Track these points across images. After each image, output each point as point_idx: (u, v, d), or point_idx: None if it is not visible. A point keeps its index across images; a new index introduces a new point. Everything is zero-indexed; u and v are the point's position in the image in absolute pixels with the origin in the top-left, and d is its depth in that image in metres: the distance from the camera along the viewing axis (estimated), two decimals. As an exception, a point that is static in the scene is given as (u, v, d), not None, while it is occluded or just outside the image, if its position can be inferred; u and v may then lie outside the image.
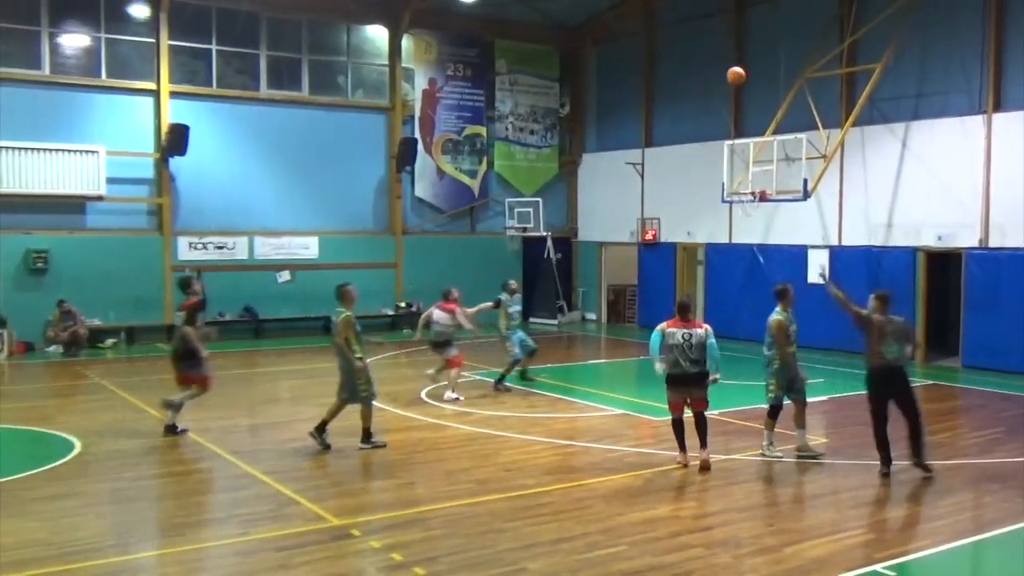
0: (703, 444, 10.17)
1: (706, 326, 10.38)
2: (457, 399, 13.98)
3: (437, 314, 14.49)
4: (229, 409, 13.74)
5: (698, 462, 10.09)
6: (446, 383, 14.35)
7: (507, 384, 15.20)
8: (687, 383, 10.21)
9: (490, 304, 15.58)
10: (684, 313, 10.49)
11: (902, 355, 10.12)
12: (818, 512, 8.73)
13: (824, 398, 14.63)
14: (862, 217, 19.68)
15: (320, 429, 11.02)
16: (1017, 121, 17.10)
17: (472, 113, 25.41)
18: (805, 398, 10.84)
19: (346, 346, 10.90)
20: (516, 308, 15.69)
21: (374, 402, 11.18)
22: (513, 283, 16.05)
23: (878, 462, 10.02)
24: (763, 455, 10.69)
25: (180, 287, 12.77)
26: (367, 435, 11.07)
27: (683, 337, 10.15)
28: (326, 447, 10.92)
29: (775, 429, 10.74)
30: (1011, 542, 8.10)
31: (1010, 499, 9.40)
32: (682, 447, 10.28)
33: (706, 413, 10.32)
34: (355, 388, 10.93)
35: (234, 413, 13.51)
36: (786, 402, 10.80)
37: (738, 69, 17.30)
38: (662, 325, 10.37)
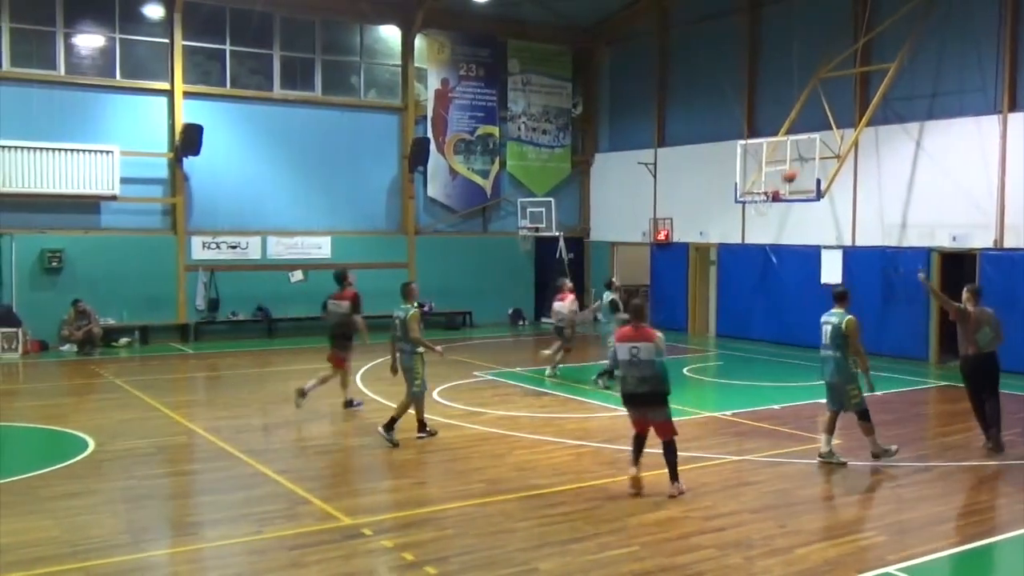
0: (672, 477, 9.16)
1: (657, 336, 9.11)
2: (554, 374, 16.25)
3: (556, 305, 16.44)
4: (242, 408, 13.79)
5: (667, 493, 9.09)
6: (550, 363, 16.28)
7: (606, 381, 15.22)
8: (637, 403, 9.27)
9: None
10: (636, 319, 9.36)
11: (993, 341, 11.00)
12: (830, 513, 8.70)
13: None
14: (876, 217, 19.61)
15: (389, 427, 11.23)
16: (1033, 121, 17.02)
17: (485, 113, 25.42)
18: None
19: (419, 340, 11.36)
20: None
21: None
22: (616, 280, 16.84)
23: (896, 462, 9.96)
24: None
25: (337, 280, 13.96)
26: (422, 426, 11.55)
27: (631, 352, 9.11)
28: (395, 444, 11.07)
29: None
30: (1025, 544, 8.06)
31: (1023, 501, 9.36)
32: (634, 460, 9.26)
33: (673, 439, 9.26)
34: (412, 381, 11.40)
35: (247, 412, 13.56)
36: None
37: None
38: (615, 335, 9.79)
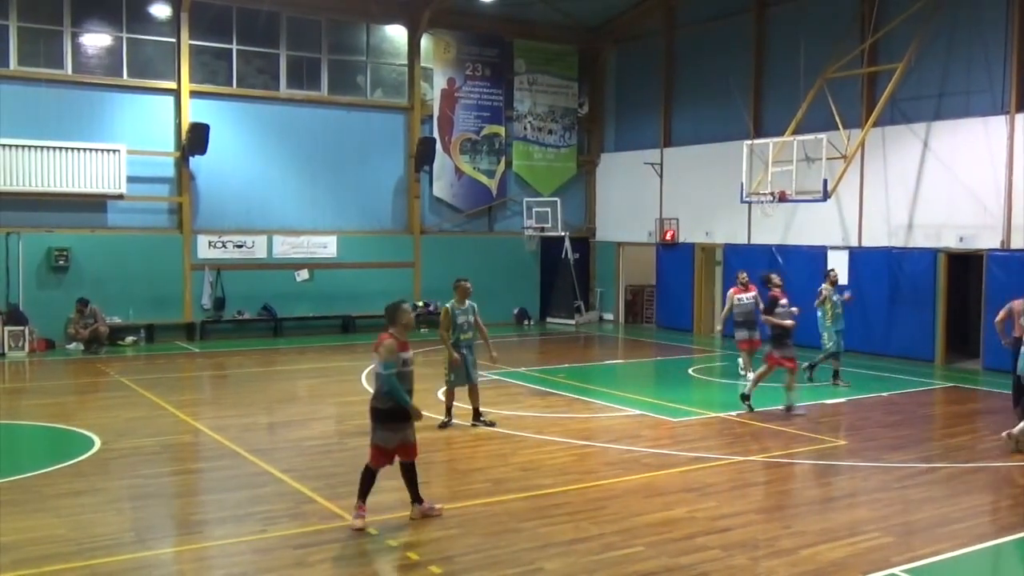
0: (414, 498, 8.30)
1: (382, 344, 8.11)
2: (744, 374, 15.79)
3: (739, 296, 15.99)
4: (247, 407, 13.80)
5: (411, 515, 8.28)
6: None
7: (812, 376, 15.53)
8: (379, 419, 8.23)
9: (796, 309, 13.93)
10: (391, 322, 8.29)
11: None
12: (836, 514, 8.68)
13: (842, 400, 14.57)
14: (882, 218, 19.56)
15: (476, 416, 12.21)
16: (1040, 122, 16.96)
17: (491, 113, 25.42)
18: None
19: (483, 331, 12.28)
20: (838, 297, 15.70)
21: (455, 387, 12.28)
22: (834, 271, 16.24)
23: (902, 463, 9.93)
24: None
25: (762, 283, 14.18)
26: (476, 414, 12.31)
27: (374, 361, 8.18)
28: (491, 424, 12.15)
29: None
30: (1032, 546, 8.04)
31: (1031, 503, 9.33)
32: (414, 497, 8.33)
33: (411, 461, 8.34)
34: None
35: (252, 411, 13.57)
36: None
37: None
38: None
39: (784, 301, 13.37)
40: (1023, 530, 8.35)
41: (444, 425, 12.11)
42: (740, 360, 16.39)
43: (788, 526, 8.22)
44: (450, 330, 12.09)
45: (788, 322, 13.14)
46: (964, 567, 7.48)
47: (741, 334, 15.90)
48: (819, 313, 15.69)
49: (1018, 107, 17.25)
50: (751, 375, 14.96)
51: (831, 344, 15.56)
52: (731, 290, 16.19)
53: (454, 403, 12.37)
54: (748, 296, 15.76)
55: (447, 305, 12.23)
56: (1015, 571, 7.69)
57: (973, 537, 8.02)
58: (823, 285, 15.82)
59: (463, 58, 24.89)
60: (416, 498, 8.34)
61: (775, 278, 13.91)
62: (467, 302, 12.20)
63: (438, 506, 8.48)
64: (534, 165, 26.25)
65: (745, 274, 16.14)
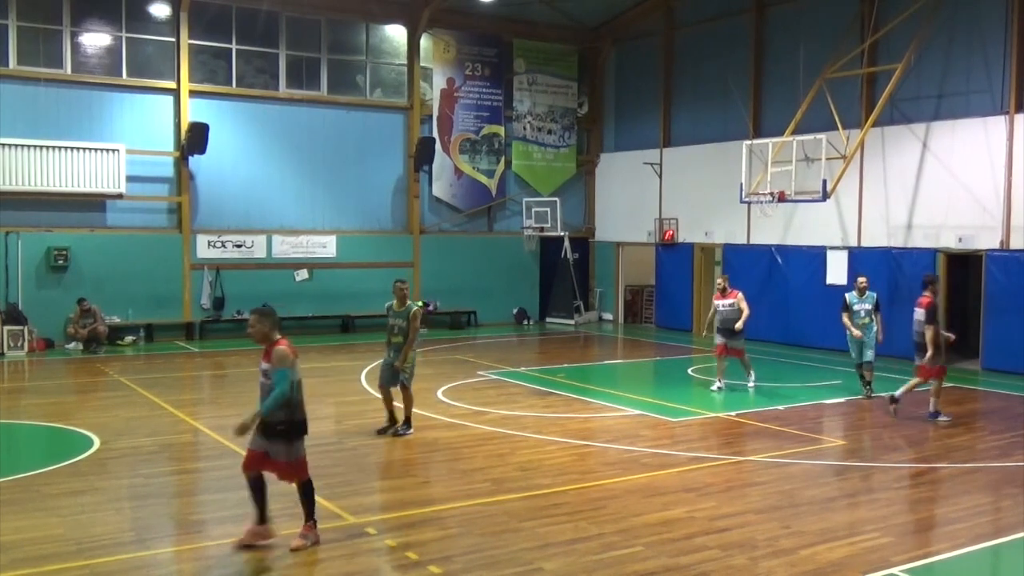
0: (307, 516, 7.69)
1: (274, 350, 7.65)
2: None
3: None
4: (246, 407, 13.70)
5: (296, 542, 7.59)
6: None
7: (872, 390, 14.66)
8: (265, 434, 7.64)
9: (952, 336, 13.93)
10: (278, 327, 7.90)
11: None
12: (835, 514, 8.68)
13: (841, 400, 14.57)
14: (882, 218, 19.57)
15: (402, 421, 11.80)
16: (1039, 122, 16.97)
17: (490, 113, 25.42)
18: None
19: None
20: (863, 306, 14.69)
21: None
22: (862, 279, 15.06)
23: (902, 463, 9.94)
24: None
25: (923, 285, 13.26)
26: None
27: (262, 372, 7.72)
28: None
29: None
30: (1030, 546, 8.05)
31: (1030, 503, 9.34)
32: (259, 516, 7.69)
33: (308, 481, 7.75)
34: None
35: (251, 410, 13.53)
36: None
37: None
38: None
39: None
40: (1022, 530, 8.36)
41: (382, 431, 11.81)
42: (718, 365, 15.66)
43: (787, 526, 8.23)
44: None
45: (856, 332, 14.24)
46: (963, 567, 7.48)
47: (718, 339, 15.34)
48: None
49: (1017, 107, 17.26)
50: (718, 385, 15.13)
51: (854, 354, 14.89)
52: (714, 295, 15.72)
53: (416, 407, 12.11)
54: (727, 303, 15.16)
55: (386, 306, 12.12)
56: (1014, 571, 7.69)
57: (972, 537, 8.02)
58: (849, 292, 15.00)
59: (462, 58, 24.90)
60: (263, 517, 7.66)
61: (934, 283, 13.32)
62: (408, 303, 11.87)
63: (269, 540, 7.62)
64: (533, 165, 26.26)
65: (723, 280, 15.64)
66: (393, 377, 11.79)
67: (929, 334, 12.69)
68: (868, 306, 14.65)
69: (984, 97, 17.88)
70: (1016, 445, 11.48)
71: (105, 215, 20.82)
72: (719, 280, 15.67)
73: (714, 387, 15.22)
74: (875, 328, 14.61)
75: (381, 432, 11.75)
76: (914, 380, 13.18)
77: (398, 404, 11.89)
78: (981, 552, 7.76)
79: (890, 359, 18.45)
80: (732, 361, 15.42)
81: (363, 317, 22.97)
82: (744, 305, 15.00)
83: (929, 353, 12.71)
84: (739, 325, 14.83)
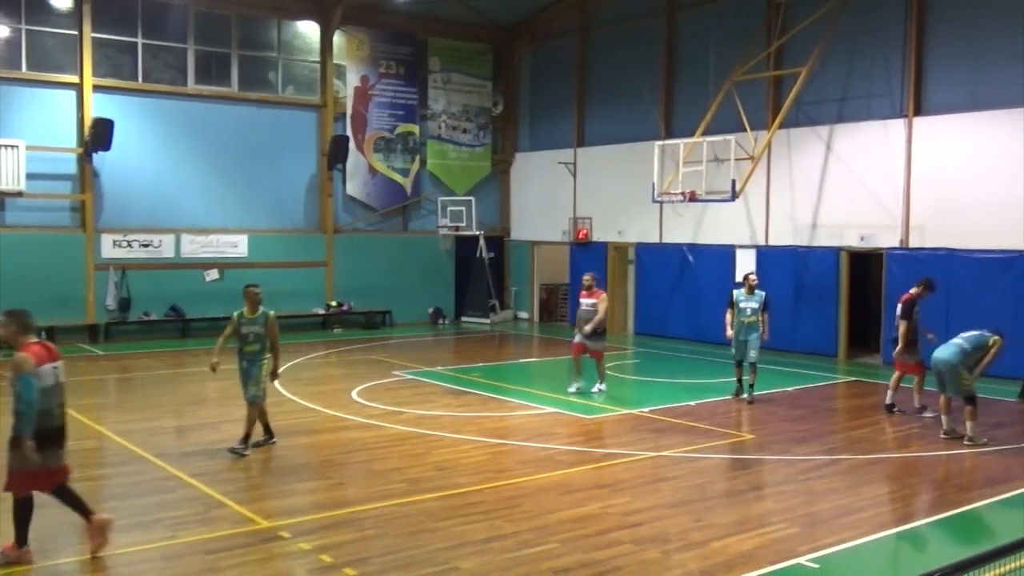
0: (23, 540, 7.22)
1: (17, 356, 7.17)
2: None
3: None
4: (154, 410, 13.46)
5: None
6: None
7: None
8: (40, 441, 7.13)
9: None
10: (26, 330, 7.42)
11: None
12: (745, 507, 8.89)
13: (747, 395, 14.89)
14: (788, 217, 20.10)
15: (245, 439, 10.75)
16: (936, 125, 17.63)
17: (405, 111, 25.29)
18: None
19: None
20: (749, 304, 14.12)
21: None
22: (752, 276, 14.57)
23: (807, 456, 10.24)
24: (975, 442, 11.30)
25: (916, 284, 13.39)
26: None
27: (53, 374, 7.34)
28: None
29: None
30: (929, 534, 8.37)
31: (928, 492, 9.72)
32: (18, 538, 7.23)
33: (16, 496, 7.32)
34: None
35: (159, 414, 13.24)
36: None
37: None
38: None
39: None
40: (921, 518, 8.70)
41: (258, 444, 10.92)
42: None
43: (699, 519, 8.39)
44: (231, 338, 11.22)
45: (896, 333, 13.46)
46: (866, 555, 7.73)
47: (576, 338, 14.75)
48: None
49: (915, 111, 17.92)
50: (576, 386, 14.63)
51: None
52: (580, 293, 15.02)
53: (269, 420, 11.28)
54: (589, 302, 14.61)
55: (235, 313, 11.22)
56: (914, 558, 7.99)
57: (874, 526, 8.30)
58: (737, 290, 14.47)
59: (376, 56, 24.71)
60: (23, 539, 7.22)
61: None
62: (261, 309, 11.12)
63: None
64: (448, 164, 26.22)
65: (589, 276, 14.88)
66: (245, 389, 11.00)
67: (901, 329, 13.15)
68: (755, 304, 14.07)
69: (884, 101, 18.51)
70: (914, 436, 11.93)
71: (4, 213, 20.05)
72: (585, 277, 14.90)
73: (571, 389, 14.63)
74: (760, 328, 14.05)
75: (257, 445, 10.87)
76: (895, 375, 13.50)
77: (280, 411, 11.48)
78: (883, 540, 8.04)
79: (794, 355, 18.98)
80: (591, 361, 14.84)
81: (276, 318, 22.56)
82: (602, 308, 14.51)
83: (899, 347, 13.18)
84: (588, 328, 14.40)
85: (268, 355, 11.12)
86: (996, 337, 11.53)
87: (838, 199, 19.20)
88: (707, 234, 21.62)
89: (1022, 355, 14.62)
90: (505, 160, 27.35)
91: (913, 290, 13.31)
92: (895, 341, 13.48)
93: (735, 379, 14.43)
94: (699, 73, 21.04)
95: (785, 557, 7.43)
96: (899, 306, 13.39)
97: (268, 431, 11.17)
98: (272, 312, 11.23)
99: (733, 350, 14.31)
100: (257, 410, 10.98)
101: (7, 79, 19.94)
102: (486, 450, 11.08)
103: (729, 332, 14.21)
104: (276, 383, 15.41)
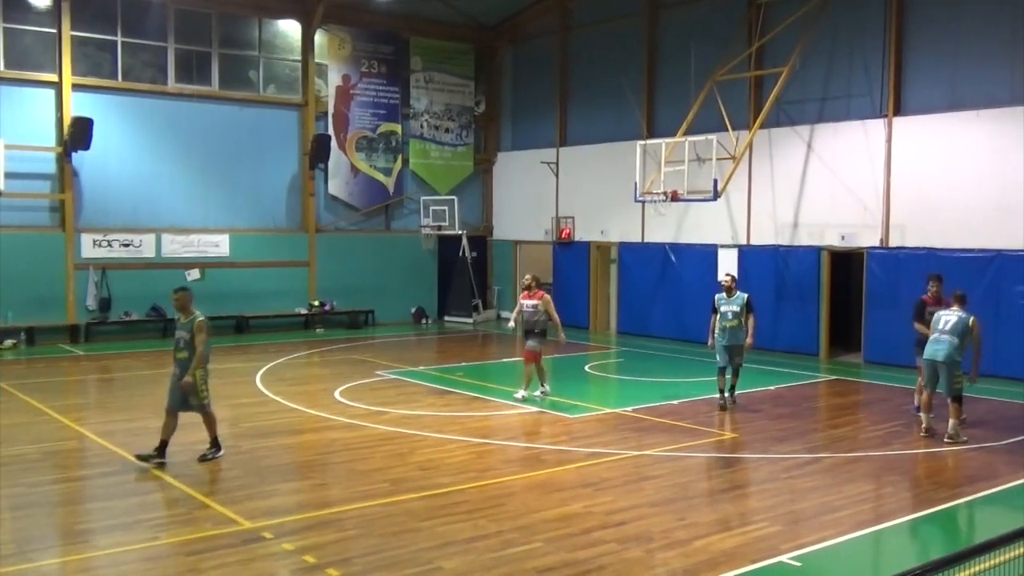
0: None
1: None
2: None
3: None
4: (136, 411, 13.37)
5: None
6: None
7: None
8: None
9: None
10: None
11: None
12: (727, 505, 8.93)
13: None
14: (769, 217, 20.19)
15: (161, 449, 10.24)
16: (916, 125, 17.77)
17: (387, 110, 25.24)
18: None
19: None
20: (730, 308, 13.54)
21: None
22: (727, 277, 13.95)
23: (789, 454, 10.29)
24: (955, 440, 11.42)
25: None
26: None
27: None
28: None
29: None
30: (909, 531, 8.44)
31: (908, 490, 9.80)
32: None
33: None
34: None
35: (141, 415, 13.15)
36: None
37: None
38: None
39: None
40: (902, 516, 8.76)
41: (146, 458, 10.20)
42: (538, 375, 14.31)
43: (682, 518, 8.42)
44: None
45: None
46: (847, 553, 7.79)
47: (529, 343, 14.08)
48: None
49: (895, 111, 18.05)
50: (522, 393, 13.88)
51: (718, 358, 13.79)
52: (521, 294, 14.45)
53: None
54: (531, 303, 14.07)
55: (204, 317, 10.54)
56: (895, 555, 8.05)
57: (855, 524, 8.36)
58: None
59: (358, 55, 24.65)
60: None
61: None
62: (195, 314, 10.46)
63: None
64: (431, 163, 26.19)
65: (529, 276, 14.32)
66: (182, 401, 10.28)
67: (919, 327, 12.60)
68: (735, 308, 13.49)
69: (864, 101, 18.63)
70: (895, 435, 12.01)
71: (-19, 213, 19.91)
72: (526, 277, 14.35)
73: (518, 395, 13.97)
74: (746, 332, 13.54)
75: (144, 459, 10.14)
76: (919, 380, 12.62)
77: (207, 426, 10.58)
78: (864, 538, 8.09)
79: (776, 354, 19.08)
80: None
81: (258, 318, 22.55)
82: (552, 309, 14.11)
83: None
84: (562, 337, 14.16)
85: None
86: (973, 317, 11.60)
87: (819, 199, 19.31)
88: (689, 233, 21.69)
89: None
90: (487, 159, 27.34)
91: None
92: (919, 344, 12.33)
93: (718, 389, 13.72)
94: (681, 73, 21.10)
95: (767, 555, 7.47)
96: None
97: (215, 444, 10.50)
98: (203, 317, 10.47)
99: (717, 356, 13.68)
100: (207, 419, 10.47)
101: (-15, 77, 19.79)
102: (470, 450, 11.08)
103: (710, 341, 13.73)
104: (259, 383, 15.40)
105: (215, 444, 10.54)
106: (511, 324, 14.92)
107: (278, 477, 10.04)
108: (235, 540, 7.76)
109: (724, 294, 13.72)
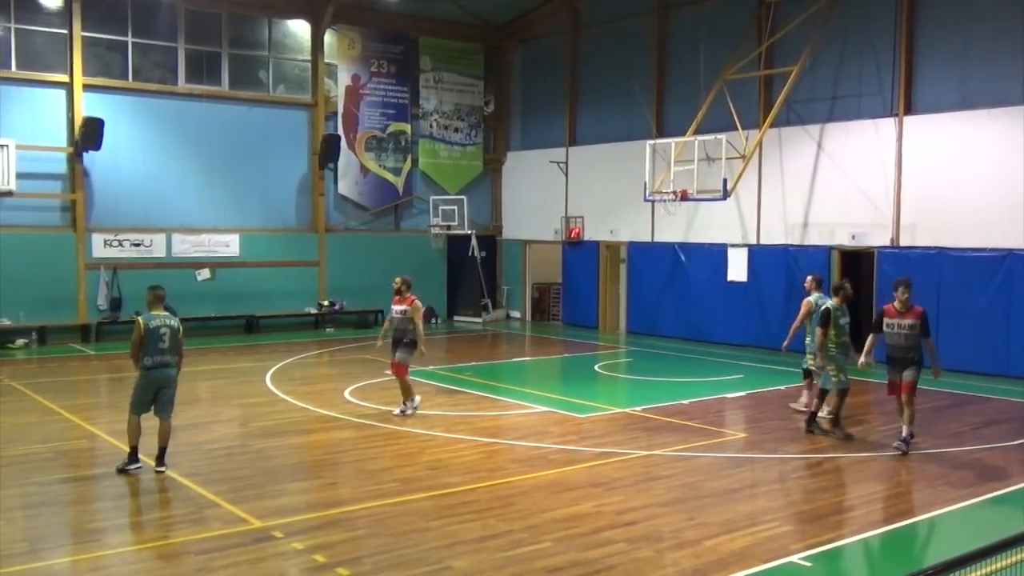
0: None
1: None
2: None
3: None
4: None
5: None
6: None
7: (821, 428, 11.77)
8: None
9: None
10: None
11: None
12: (737, 505, 8.91)
13: (742, 393, 14.94)
14: (779, 217, 20.14)
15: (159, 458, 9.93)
16: (927, 124, 17.69)
17: (396, 110, 25.26)
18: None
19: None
20: (845, 320, 11.75)
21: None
22: (839, 284, 12.06)
23: (799, 455, 10.25)
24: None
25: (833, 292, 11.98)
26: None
27: None
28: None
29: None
30: (920, 531, 8.40)
31: (919, 490, 9.75)
32: None
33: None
34: None
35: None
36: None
37: None
38: None
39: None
40: (912, 517, 8.72)
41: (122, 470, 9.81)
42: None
43: (692, 518, 8.40)
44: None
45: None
46: (858, 553, 7.76)
47: (397, 355, 12.89)
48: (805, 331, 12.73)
49: (906, 110, 17.98)
50: (400, 409, 12.74)
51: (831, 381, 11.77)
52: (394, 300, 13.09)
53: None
54: (399, 309, 12.97)
55: (140, 317, 10.30)
56: (906, 556, 8.02)
57: (866, 524, 8.33)
58: (827, 299, 12.01)
59: (368, 55, 24.67)
60: None
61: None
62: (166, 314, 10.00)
63: None
64: (440, 163, 26.20)
65: (399, 279, 13.11)
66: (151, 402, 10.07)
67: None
68: (845, 319, 11.86)
69: (875, 99, 18.56)
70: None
71: (-7, 213, 20.01)
72: (396, 280, 13.10)
73: (396, 412, 12.79)
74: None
75: (123, 471, 9.82)
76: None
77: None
78: (875, 538, 8.06)
79: (786, 353, 19.00)
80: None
81: (268, 317, 22.59)
82: (418, 318, 12.91)
83: None
84: (426, 349, 13.14)
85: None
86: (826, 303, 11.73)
87: (829, 198, 19.25)
88: (699, 233, 21.65)
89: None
90: (497, 159, 27.34)
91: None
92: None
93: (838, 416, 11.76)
94: (690, 72, 21.07)
95: (778, 555, 7.44)
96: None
97: (148, 456, 9.95)
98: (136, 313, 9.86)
99: (844, 377, 11.70)
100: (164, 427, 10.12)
101: (-3, 78, 19.89)
102: (479, 449, 11.08)
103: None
104: (269, 383, 15.43)
105: (158, 458, 9.94)
106: (378, 343, 13.61)
107: (288, 476, 10.06)
108: (245, 539, 7.77)
109: (836, 300, 11.69)
